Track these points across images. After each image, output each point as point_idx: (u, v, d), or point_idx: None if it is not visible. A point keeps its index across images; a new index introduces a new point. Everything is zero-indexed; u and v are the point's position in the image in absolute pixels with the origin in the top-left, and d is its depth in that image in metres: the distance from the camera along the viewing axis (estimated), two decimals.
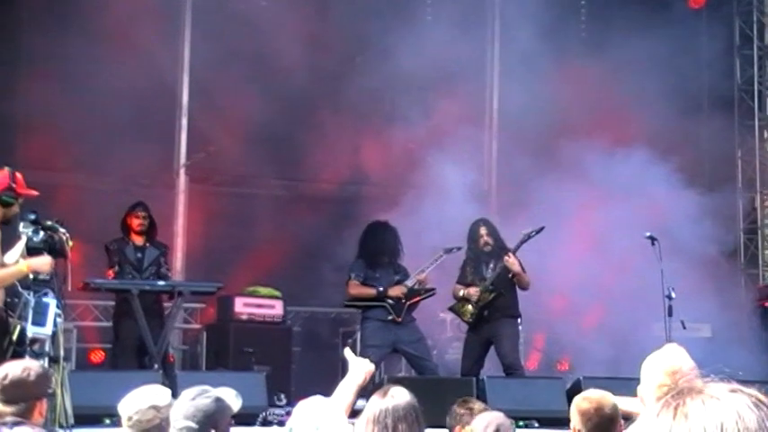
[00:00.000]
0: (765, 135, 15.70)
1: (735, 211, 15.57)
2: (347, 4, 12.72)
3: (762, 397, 1.49)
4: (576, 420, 4.65)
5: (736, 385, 1.51)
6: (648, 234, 10.59)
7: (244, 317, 11.55)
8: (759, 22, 15.62)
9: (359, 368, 4.86)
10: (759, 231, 15.52)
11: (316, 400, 5.26)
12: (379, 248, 10.32)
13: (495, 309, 10.38)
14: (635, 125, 13.52)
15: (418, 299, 10.31)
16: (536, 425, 9.22)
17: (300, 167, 13.60)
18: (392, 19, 12.82)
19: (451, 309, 10.77)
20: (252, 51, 12.59)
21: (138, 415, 4.52)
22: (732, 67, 15.67)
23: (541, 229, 10.53)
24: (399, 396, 4.18)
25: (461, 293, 10.44)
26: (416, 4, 13.95)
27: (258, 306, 11.67)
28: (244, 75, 12.53)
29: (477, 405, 5.87)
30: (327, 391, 4.86)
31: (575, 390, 9.44)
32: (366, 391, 9.43)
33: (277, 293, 11.89)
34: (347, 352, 5.16)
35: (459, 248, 10.66)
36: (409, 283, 10.33)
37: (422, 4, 14.08)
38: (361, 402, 4.80)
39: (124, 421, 4.59)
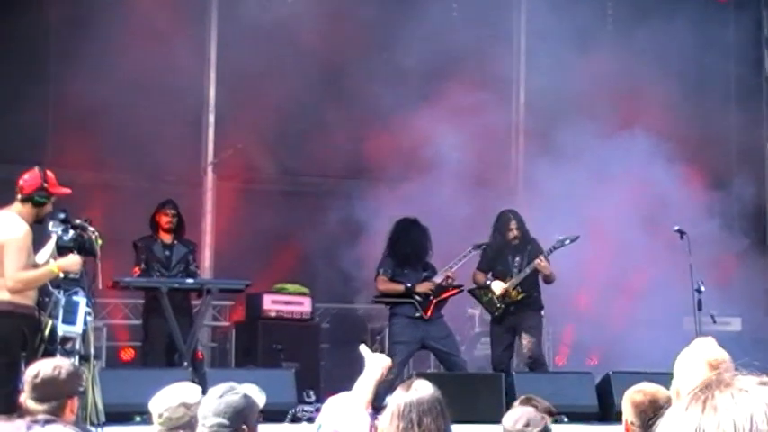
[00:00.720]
0: None
1: (764, 201, 15.48)
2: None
3: None
4: (629, 413, 4.60)
5: (765, 378, 1.50)
6: (677, 228, 10.56)
7: (272, 314, 11.56)
8: None
9: (375, 363, 4.78)
10: None
11: (344, 397, 5.27)
12: (408, 246, 10.31)
13: (523, 304, 10.39)
14: (663, 118, 13.46)
15: (446, 295, 10.30)
16: (565, 420, 9.19)
17: (329, 163, 13.62)
18: (420, 13, 12.84)
19: (472, 293, 10.74)
20: (279, 48, 12.61)
21: (169, 412, 4.55)
22: (760, 59, 15.58)
23: (576, 238, 10.53)
24: (423, 389, 4.15)
25: (487, 282, 10.42)
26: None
27: (286, 303, 11.69)
28: (271, 72, 12.54)
29: (541, 402, 5.76)
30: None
31: (604, 384, 9.45)
32: (392, 388, 9.48)
33: (305, 290, 11.91)
34: (363, 348, 5.09)
35: (488, 244, 10.66)
36: (438, 279, 10.32)
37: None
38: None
39: (155, 418, 4.62)
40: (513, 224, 10.51)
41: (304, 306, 11.75)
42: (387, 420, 4.11)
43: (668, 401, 4.54)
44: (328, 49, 12.73)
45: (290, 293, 11.82)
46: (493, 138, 13.50)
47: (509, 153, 14.43)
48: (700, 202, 13.26)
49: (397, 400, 4.13)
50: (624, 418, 4.62)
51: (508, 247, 10.51)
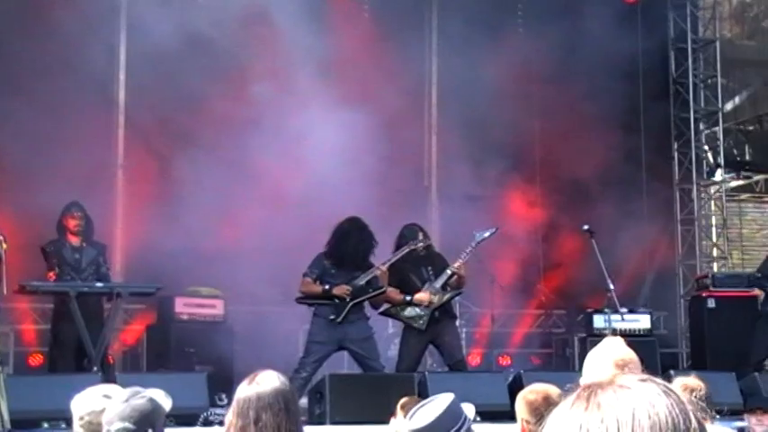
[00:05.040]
0: (701, 127, 15.88)
1: (672, 202, 15.77)
2: None
3: (671, 386, 1.52)
4: (523, 412, 4.67)
5: (646, 375, 1.54)
6: (586, 227, 10.66)
7: (184, 317, 11.46)
8: (693, 16, 15.82)
9: None
10: (696, 223, 15.70)
11: None
12: (346, 248, 10.28)
13: (443, 311, 10.44)
14: (574, 119, 13.62)
15: (363, 298, 10.28)
16: (478, 419, 9.23)
17: (242, 162, 13.51)
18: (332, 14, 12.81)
19: (387, 314, 10.75)
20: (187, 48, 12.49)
21: (91, 416, 4.46)
22: (667, 61, 15.86)
23: (495, 230, 10.59)
24: (266, 382, 3.89)
25: (407, 299, 10.42)
26: None
27: (198, 306, 11.59)
28: (180, 72, 12.41)
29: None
30: None
31: (516, 383, 9.51)
32: (305, 387, 9.43)
33: (217, 292, 11.82)
34: None
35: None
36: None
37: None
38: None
39: (75, 420, 4.51)
40: (421, 235, 10.55)
41: (216, 308, 11.66)
42: (228, 415, 3.91)
43: (561, 398, 4.62)
44: (238, 49, 12.61)
45: (202, 296, 11.72)
46: (406, 138, 13.55)
47: (422, 153, 14.48)
48: (610, 200, 13.47)
49: (238, 394, 3.90)
50: (519, 417, 4.69)
51: (417, 259, 10.54)
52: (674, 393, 1.51)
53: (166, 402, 4.25)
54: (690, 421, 1.48)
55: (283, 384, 3.92)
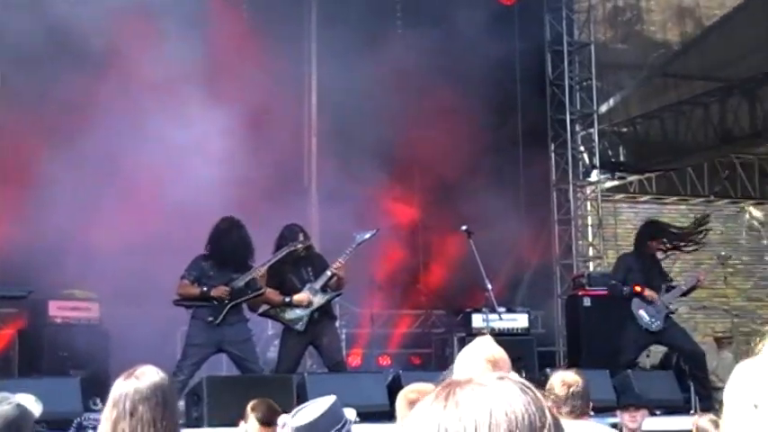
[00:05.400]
0: (577, 129, 16.15)
1: (549, 203, 16.00)
2: None
3: (528, 383, 1.55)
4: (404, 411, 4.68)
5: (503, 373, 1.57)
6: (464, 227, 10.75)
7: (58, 320, 11.22)
8: (568, 18, 16.07)
9: None
10: (572, 223, 15.96)
11: None
12: (222, 249, 10.19)
13: (323, 312, 10.42)
14: (452, 120, 13.71)
15: (242, 300, 10.21)
16: (357, 419, 9.23)
17: (116, 163, 13.29)
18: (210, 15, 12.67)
19: (266, 315, 10.71)
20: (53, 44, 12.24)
21: None
22: (544, 63, 16.09)
23: (376, 232, 10.63)
24: (145, 377, 3.85)
25: (286, 300, 10.38)
26: None
27: (73, 309, 11.36)
28: (46, 68, 12.15)
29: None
30: None
31: (395, 383, 9.54)
32: (182, 390, 9.30)
33: (93, 295, 11.60)
34: None
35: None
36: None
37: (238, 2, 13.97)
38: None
39: None
40: (301, 236, 10.52)
41: (92, 311, 11.44)
42: (105, 410, 3.87)
43: None
44: (109, 46, 12.38)
45: (76, 299, 11.49)
46: (286, 139, 13.50)
47: (302, 153, 14.44)
48: (489, 202, 13.60)
49: (116, 388, 3.85)
50: (400, 416, 4.70)
51: (297, 260, 10.51)
52: (531, 391, 1.54)
53: (36, 408, 4.14)
54: (545, 418, 1.51)
55: (162, 379, 3.87)
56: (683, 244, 12.05)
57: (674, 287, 11.75)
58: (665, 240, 11.85)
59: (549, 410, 1.52)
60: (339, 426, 4.72)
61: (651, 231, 11.95)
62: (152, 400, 3.78)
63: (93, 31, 11.74)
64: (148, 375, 3.85)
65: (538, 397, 1.53)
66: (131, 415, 3.75)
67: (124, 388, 3.82)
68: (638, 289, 11.44)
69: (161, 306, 11.00)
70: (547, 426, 1.50)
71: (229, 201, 11.29)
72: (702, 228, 12.17)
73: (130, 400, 3.77)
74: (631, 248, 12.25)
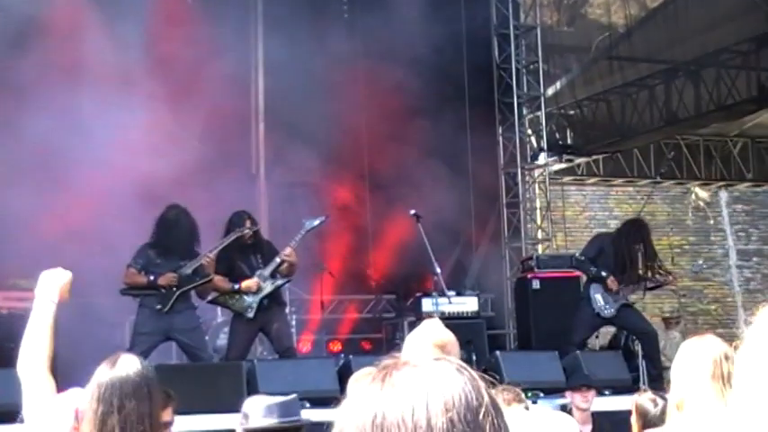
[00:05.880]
0: (524, 112, 16.20)
1: (497, 186, 16.04)
2: None
3: (465, 365, 1.56)
4: None
5: (440, 355, 1.58)
6: (413, 212, 10.77)
7: (4, 311, 11.10)
8: (514, 2, 16.10)
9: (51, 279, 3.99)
10: (521, 206, 16.01)
11: (75, 392, 5.09)
12: (169, 236, 10.13)
13: (272, 298, 10.40)
14: (399, 105, 13.71)
15: (190, 287, 10.15)
16: (307, 405, 9.22)
17: (59, 153, 13.16)
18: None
19: (215, 302, 10.68)
20: None
21: None
22: (491, 47, 16.11)
23: (325, 219, 10.62)
24: (128, 367, 3.73)
25: (235, 287, 10.33)
26: None
27: (19, 299, 11.21)
28: None
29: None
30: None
31: (345, 369, 9.55)
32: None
33: (35, 284, 11.47)
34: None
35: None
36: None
37: None
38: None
39: None
40: (248, 222, 10.47)
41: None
42: (87, 402, 3.73)
43: None
44: (54, 35, 12.24)
45: (22, 289, 11.35)
46: (233, 125, 13.43)
47: (249, 140, 14.37)
48: (436, 186, 13.62)
49: (98, 378, 3.72)
50: None
51: (245, 247, 10.47)
52: (468, 371, 1.54)
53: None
54: (482, 397, 1.52)
55: (146, 369, 3.77)
56: (646, 269, 11.95)
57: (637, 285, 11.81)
58: (641, 244, 11.79)
59: (486, 391, 1.53)
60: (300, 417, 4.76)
61: (635, 229, 11.86)
62: (139, 393, 3.68)
63: (28, 15, 11.60)
64: (133, 366, 3.75)
65: (474, 377, 1.54)
66: (119, 411, 3.65)
67: (109, 380, 3.71)
68: (603, 274, 11.47)
69: (108, 295, 10.92)
70: (484, 405, 1.51)
71: (176, 188, 11.21)
72: (662, 279, 12.12)
73: (117, 396, 3.67)
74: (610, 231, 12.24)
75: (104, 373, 3.73)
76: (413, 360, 1.55)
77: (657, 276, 11.92)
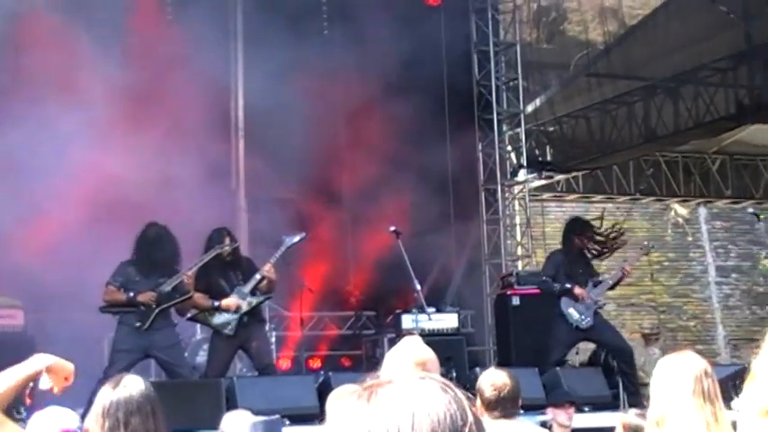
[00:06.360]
0: (504, 128, 16.23)
1: (477, 202, 16.06)
2: None
3: (449, 383, 1.57)
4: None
5: (425, 374, 1.59)
6: (393, 228, 10.76)
7: None
8: (494, 19, 16.16)
9: (38, 360, 4.05)
10: (501, 222, 16.03)
11: (52, 411, 5.07)
12: (151, 255, 10.09)
13: (252, 315, 10.37)
14: (379, 121, 13.71)
15: (170, 304, 10.12)
16: (287, 422, 9.18)
17: (38, 167, 13.10)
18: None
19: (198, 320, 10.67)
20: None
21: None
22: (470, 63, 16.15)
23: (304, 236, 10.62)
24: (133, 387, 3.87)
25: (215, 304, 10.30)
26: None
27: None
28: None
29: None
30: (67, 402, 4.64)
31: (324, 386, 9.52)
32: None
33: (16, 302, 11.42)
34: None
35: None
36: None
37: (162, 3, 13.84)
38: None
39: None
40: (228, 239, 10.45)
41: (16, 319, 11.26)
42: (93, 420, 3.83)
43: None
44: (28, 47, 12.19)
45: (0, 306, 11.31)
46: (213, 141, 13.40)
47: (229, 155, 14.34)
48: (418, 200, 13.62)
49: (104, 397, 3.84)
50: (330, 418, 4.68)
51: (225, 263, 10.45)
52: (452, 390, 1.56)
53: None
54: (466, 416, 1.53)
55: (148, 389, 3.88)
56: (600, 247, 12.15)
57: (601, 282, 11.86)
58: (588, 235, 11.96)
59: (470, 409, 1.54)
60: None
61: (574, 228, 12.06)
62: (143, 411, 3.79)
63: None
64: (137, 385, 3.87)
65: (459, 396, 1.55)
66: (125, 426, 3.74)
67: (114, 397, 3.81)
68: (568, 287, 11.53)
69: (87, 312, 10.86)
70: (468, 424, 1.52)
71: (156, 203, 11.18)
72: (615, 239, 12.27)
73: (123, 411, 3.76)
74: (560, 246, 12.35)
75: (108, 393, 3.85)
76: (398, 378, 1.56)
77: (614, 244, 12.09)
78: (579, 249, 11.84)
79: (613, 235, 12.22)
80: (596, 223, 12.31)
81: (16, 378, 3.89)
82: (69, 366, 4.05)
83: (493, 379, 5.34)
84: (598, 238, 12.13)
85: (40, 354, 4.10)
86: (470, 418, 1.53)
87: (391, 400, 1.52)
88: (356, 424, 1.52)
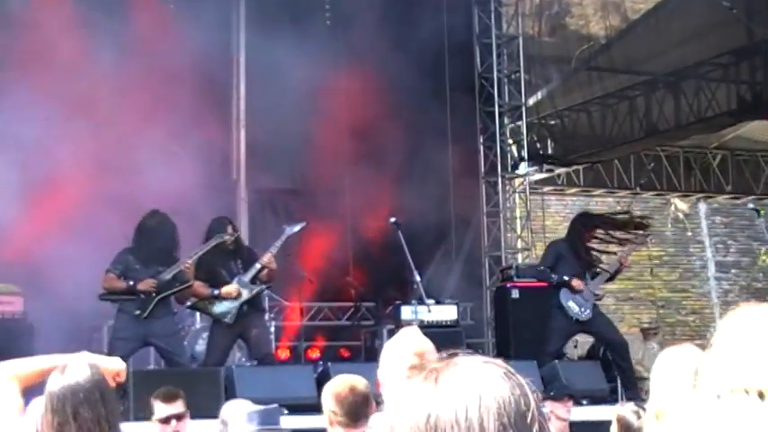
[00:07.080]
0: (505, 121, 16.23)
1: (478, 195, 16.05)
2: None
3: (511, 369, 1.60)
4: (330, 403, 4.71)
5: (488, 358, 1.62)
6: (393, 219, 10.77)
7: None
8: (496, 11, 16.14)
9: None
10: (501, 215, 16.03)
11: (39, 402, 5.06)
12: (151, 243, 10.11)
13: (252, 304, 10.39)
14: (382, 112, 13.71)
15: (170, 293, 10.14)
16: (285, 412, 9.19)
17: (40, 156, 13.11)
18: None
19: (198, 309, 10.69)
20: None
21: None
22: (472, 56, 16.14)
23: (304, 225, 10.64)
24: (78, 374, 3.70)
25: (215, 293, 10.32)
26: None
27: None
28: None
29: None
30: None
31: (323, 376, 9.54)
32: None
33: (16, 289, 11.44)
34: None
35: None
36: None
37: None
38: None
39: None
40: (229, 228, 10.48)
41: (15, 306, 11.28)
42: (42, 418, 3.70)
43: (367, 387, 4.73)
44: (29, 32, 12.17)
45: None
46: (214, 131, 13.40)
47: (230, 146, 14.33)
48: (419, 195, 13.63)
49: (50, 388, 3.69)
50: (326, 409, 4.71)
51: (226, 253, 10.46)
52: (515, 376, 1.59)
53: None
54: (529, 401, 1.57)
55: (95, 374, 3.75)
56: (618, 234, 12.15)
57: (598, 273, 11.88)
58: (598, 229, 11.97)
59: (532, 394, 1.58)
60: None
61: (583, 222, 12.07)
62: (92, 399, 3.67)
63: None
64: (82, 372, 3.73)
65: (521, 381, 1.59)
66: (74, 418, 3.63)
67: (60, 387, 3.69)
68: (565, 278, 11.55)
69: (87, 300, 10.89)
70: (531, 409, 1.56)
71: (157, 193, 11.18)
72: (639, 229, 12.28)
73: (70, 404, 3.65)
74: (561, 237, 12.36)
75: (55, 382, 3.71)
76: (463, 362, 1.58)
77: (636, 237, 12.13)
78: (583, 242, 11.83)
79: (635, 225, 12.24)
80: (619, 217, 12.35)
81: (51, 364, 3.86)
82: (118, 365, 4.02)
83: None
84: (609, 221, 12.15)
85: (86, 352, 4.02)
86: (533, 405, 1.57)
87: (458, 383, 1.55)
88: (424, 405, 1.54)
